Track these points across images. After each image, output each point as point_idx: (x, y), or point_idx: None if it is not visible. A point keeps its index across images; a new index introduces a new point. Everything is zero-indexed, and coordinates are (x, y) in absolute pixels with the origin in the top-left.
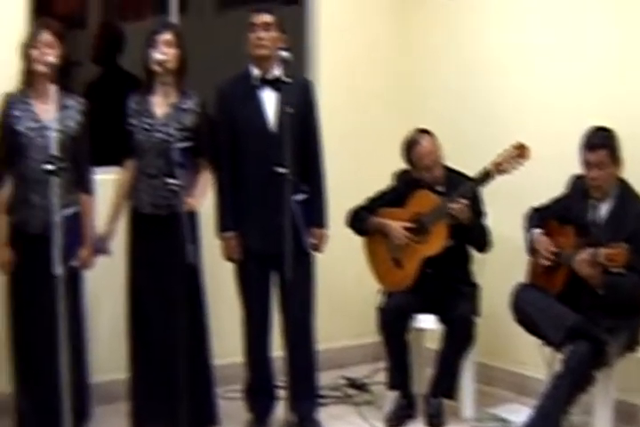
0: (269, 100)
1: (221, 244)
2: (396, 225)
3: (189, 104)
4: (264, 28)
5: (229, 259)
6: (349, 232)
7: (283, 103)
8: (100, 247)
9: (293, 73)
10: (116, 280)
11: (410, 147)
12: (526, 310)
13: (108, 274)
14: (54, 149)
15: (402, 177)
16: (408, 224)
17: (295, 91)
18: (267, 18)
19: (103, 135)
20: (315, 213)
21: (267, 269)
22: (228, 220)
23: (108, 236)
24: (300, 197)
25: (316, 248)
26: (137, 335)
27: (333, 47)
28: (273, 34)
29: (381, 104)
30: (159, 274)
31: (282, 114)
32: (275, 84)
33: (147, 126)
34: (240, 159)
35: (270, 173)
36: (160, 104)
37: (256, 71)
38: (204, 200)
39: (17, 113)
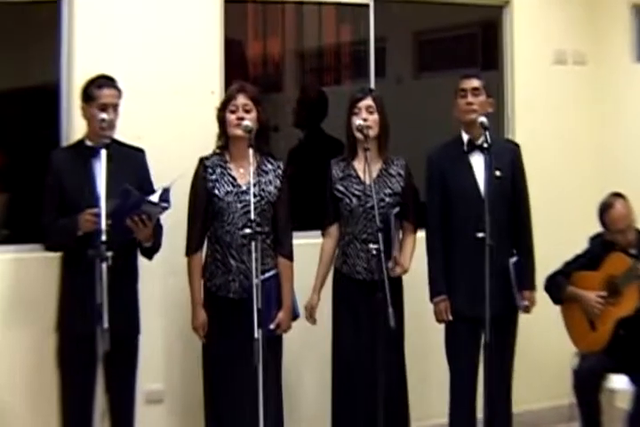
0: (478, 165)
1: (433, 307)
2: (590, 296)
3: (395, 169)
4: (473, 93)
5: (441, 321)
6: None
7: (491, 168)
8: (296, 312)
9: (500, 137)
10: (315, 344)
11: (604, 210)
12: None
13: (309, 337)
14: (253, 214)
15: (596, 240)
16: (602, 293)
17: (504, 155)
18: (476, 83)
19: (307, 200)
20: (525, 275)
21: (475, 332)
22: (439, 283)
23: (315, 303)
24: (513, 259)
25: (527, 310)
26: (343, 399)
27: (530, 112)
28: (481, 98)
29: (578, 167)
30: (368, 338)
31: (491, 179)
32: (483, 148)
33: (357, 192)
34: (449, 223)
35: (477, 238)
36: (366, 170)
37: (466, 136)
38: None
39: (214, 177)
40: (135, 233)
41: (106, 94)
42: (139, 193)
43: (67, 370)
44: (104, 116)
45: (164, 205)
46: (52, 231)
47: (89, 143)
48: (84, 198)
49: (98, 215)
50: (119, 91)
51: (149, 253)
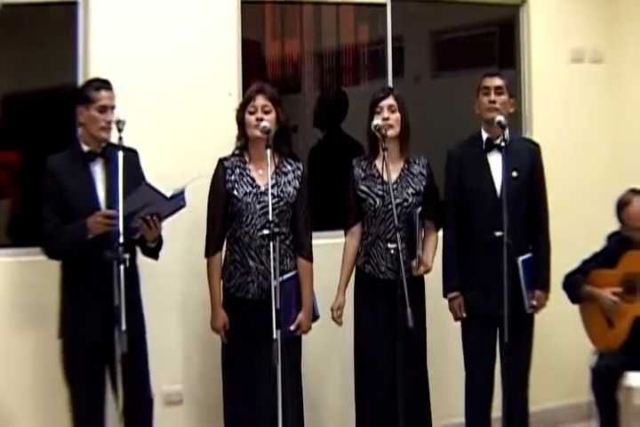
0: (496, 164)
1: (448, 303)
2: (606, 294)
3: (417, 168)
4: (496, 92)
5: (457, 318)
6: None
7: (509, 167)
8: (315, 313)
9: (520, 137)
10: (337, 344)
11: (622, 207)
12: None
13: (330, 338)
14: (272, 215)
15: (613, 238)
16: (618, 290)
17: (522, 154)
18: (499, 82)
19: (327, 200)
20: (538, 275)
21: (490, 330)
22: (453, 280)
23: (342, 303)
24: (525, 256)
25: (535, 310)
26: (364, 398)
27: (547, 111)
28: (504, 97)
29: (595, 166)
30: (391, 338)
31: (508, 178)
32: (501, 147)
33: (380, 192)
34: (466, 221)
35: (494, 236)
36: (384, 169)
37: (486, 135)
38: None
39: (233, 178)
40: (144, 233)
41: (104, 96)
42: (156, 190)
43: (74, 378)
44: (111, 117)
45: (181, 203)
46: (58, 238)
47: (85, 148)
48: (85, 203)
49: (112, 217)
50: (114, 93)
51: (154, 253)
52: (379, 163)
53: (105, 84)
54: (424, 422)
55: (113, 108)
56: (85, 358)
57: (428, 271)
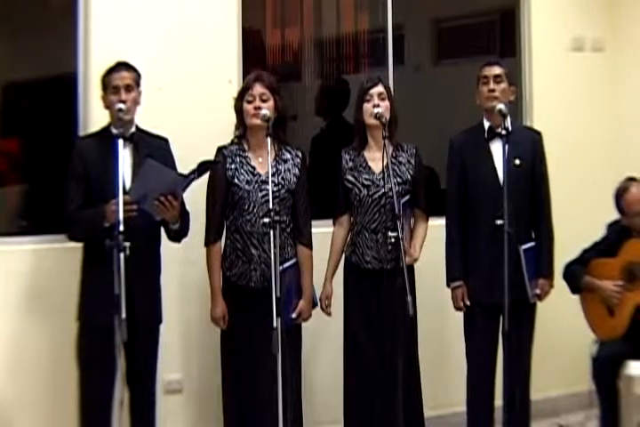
0: (498, 153)
1: (451, 293)
2: (606, 285)
3: (405, 156)
4: (495, 81)
5: (458, 308)
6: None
7: (511, 155)
8: (315, 300)
9: (522, 125)
10: (330, 332)
11: (620, 194)
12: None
13: (321, 327)
14: (273, 203)
15: (613, 227)
16: (618, 282)
17: (524, 143)
18: (498, 70)
19: (328, 188)
20: (541, 263)
21: (492, 319)
22: (456, 269)
23: (330, 293)
24: (527, 245)
25: (539, 298)
26: (356, 388)
27: (548, 99)
28: (503, 86)
29: (595, 154)
30: (379, 327)
31: (509, 166)
32: (504, 136)
33: (366, 182)
34: (468, 210)
35: (495, 225)
36: (376, 158)
37: (487, 123)
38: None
39: (233, 166)
40: (162, 214)
41: (115, 77)
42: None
43: (86, 360)
44: (120, 106)
45: (192, 176)
46: (76, 221)
47: (114, 131)
48: (110, 186)
49: (129, 203)
50: (133, 73)
51: (177, 237)
52: (367, 152)
53: (118, 67)
54: (415, 410)
55: (128, 86)
56: (100, 341)
57: (414, 261)
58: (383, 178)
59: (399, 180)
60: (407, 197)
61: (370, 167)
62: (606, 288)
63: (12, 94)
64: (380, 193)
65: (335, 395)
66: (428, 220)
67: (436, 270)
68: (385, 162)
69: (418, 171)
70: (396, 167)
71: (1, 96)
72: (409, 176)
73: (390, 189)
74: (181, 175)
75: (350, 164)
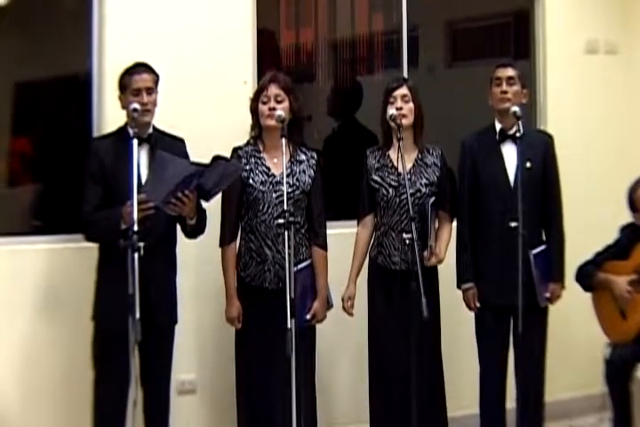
0: (509, 155)
1: (462, 294)
2: (619, 281)
3: (431, 158)
4: (508, 82)
5: (470, 309)
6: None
7: (523, 158)
8: (330, 302)
9: (533, 128)
10: (350, 333)
11: (632, 193)
12: None
13: (343, 328)
14: (287, 204)
15: (626, 230)
16: (633, 277)
17: (536, 145)
18: (511, 72)
19: (341, 189)
20: (553, 267)
21: (504, 321)
22: (467, 271)
23: (353, 294)
24: (537, 250)
25: (550, 302)
26: (378, 389)
27: (562, 102)
28: (516, 88)
29: (609, 157)
30: (405, 328)
31: (521, 169)
32: (515, 138)
33: (393, 183)
34: (479, 211)
35: (507, 227)
36: (399, 159)
37: (499, 125)
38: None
39: (248, 167)
40: (179, 211)
41: (136, 79)
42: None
43: (100, 360)
44: (135, 106)
45: (232, 167)
46: (94, 223)
47: (131, 131)
48: (127, 188)
49: (144, 203)
50: (152, 75)
51: (193, 233)
52: (392, 153)
53: (139, 68)
54: (439, 411)
55: (149, 89)
56: (114, 342)
57: (440, 262)
58: (410, 179)
59: (426, 181)
60: (433, 199)
61: (396, 168)
62: (619, 283)
63: (26, 94)
64: (407, 194)
65: (356, 396)
66: (452, 222)
67: (449, 271)
68: (402, 163)
69: (443, 172)
70: (422, 169)
71: (15, 96)
72: (435, 178)
73: (418, 190)
74: (194, 163)
75: (376, 164)
